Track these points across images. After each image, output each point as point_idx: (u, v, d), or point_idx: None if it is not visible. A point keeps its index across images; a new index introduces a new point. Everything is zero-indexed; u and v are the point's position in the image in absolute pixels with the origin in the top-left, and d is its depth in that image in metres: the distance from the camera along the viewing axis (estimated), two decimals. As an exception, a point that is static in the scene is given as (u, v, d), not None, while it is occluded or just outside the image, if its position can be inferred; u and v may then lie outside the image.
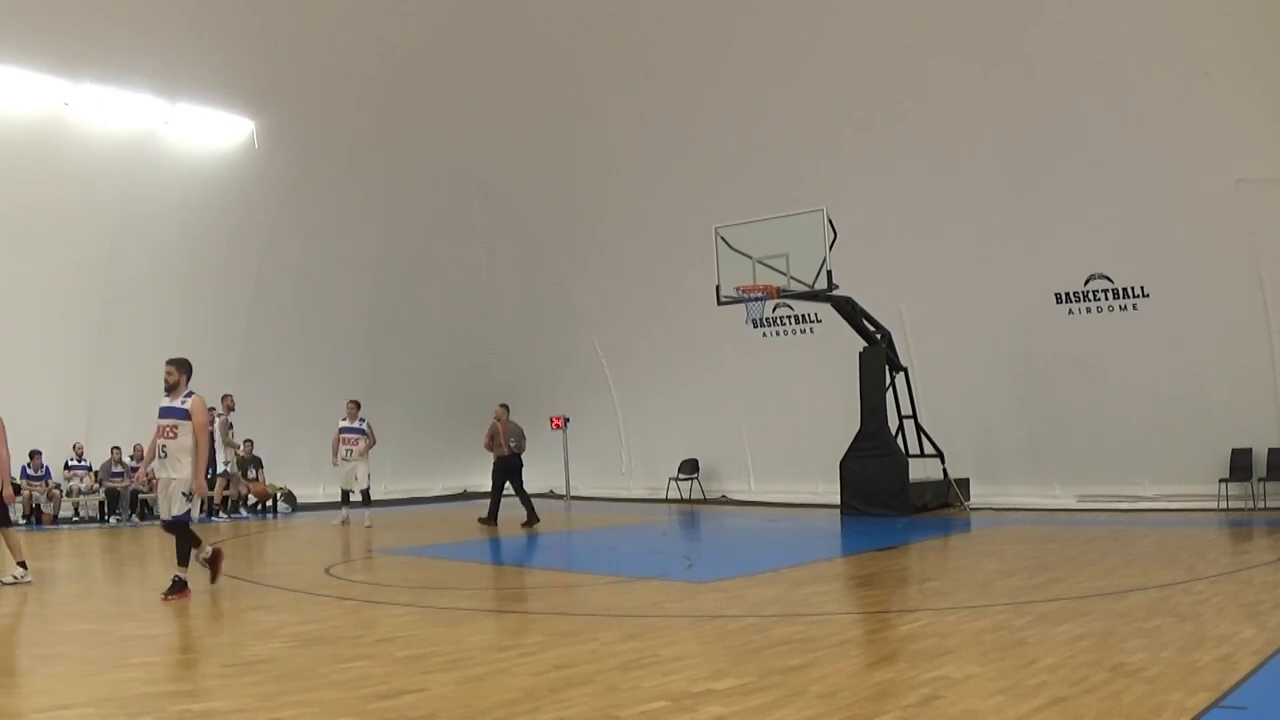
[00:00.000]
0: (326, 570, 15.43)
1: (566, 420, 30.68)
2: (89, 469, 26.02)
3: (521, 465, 23.51)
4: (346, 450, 23.19)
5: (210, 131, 27.83)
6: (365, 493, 23.45)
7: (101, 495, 25.82)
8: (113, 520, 25.43)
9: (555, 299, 31.57)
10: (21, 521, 24.21)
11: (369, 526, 22.80)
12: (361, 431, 23.28)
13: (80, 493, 25.73)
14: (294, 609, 12.45)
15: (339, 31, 26.75)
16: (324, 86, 27.54)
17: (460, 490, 32.98)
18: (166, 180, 26.78)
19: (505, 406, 23.80)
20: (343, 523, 23.35)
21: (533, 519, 22.80)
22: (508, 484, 23.45)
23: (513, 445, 23.19)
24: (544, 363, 32.28)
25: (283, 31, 26.19)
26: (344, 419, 23.42)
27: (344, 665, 8.99)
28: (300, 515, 27.08)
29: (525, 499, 23.27)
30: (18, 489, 24.16)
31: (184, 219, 27.16)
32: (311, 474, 28.25)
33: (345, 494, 23.63)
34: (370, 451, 23.50)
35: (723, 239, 23.82)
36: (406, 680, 8.31)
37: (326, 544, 19.94)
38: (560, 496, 31.02)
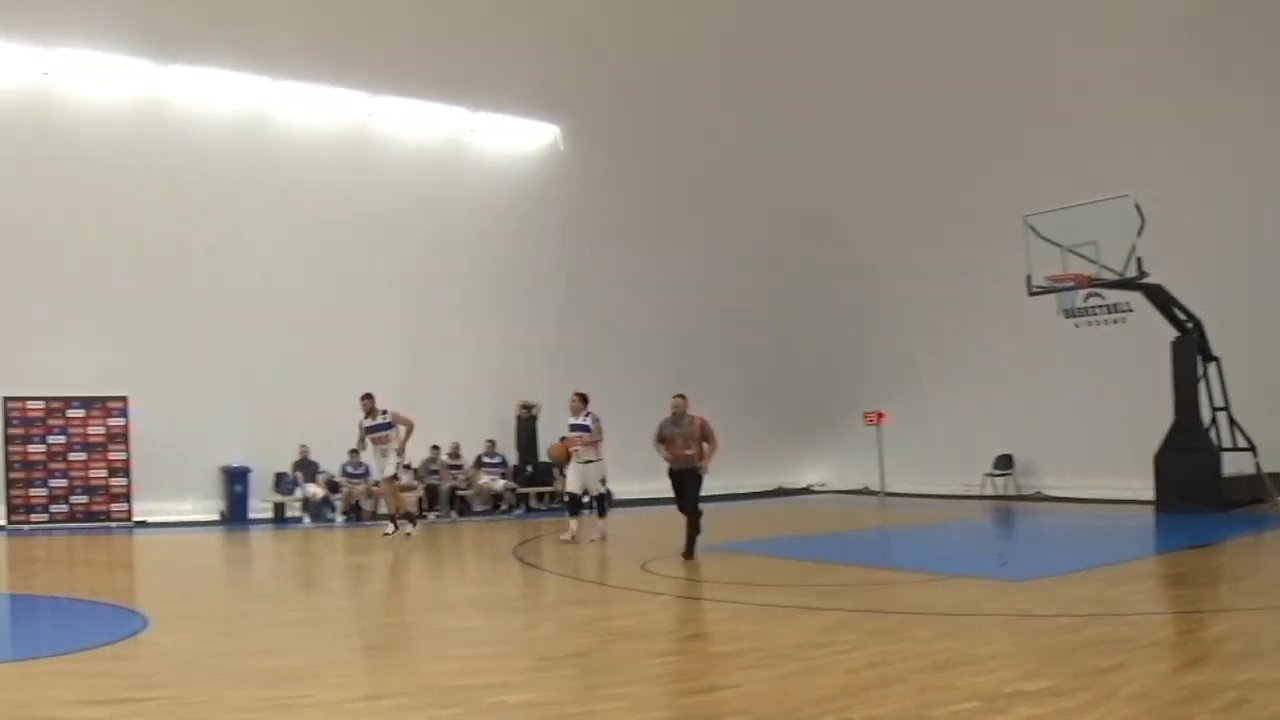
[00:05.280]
0: (642, 566, 15.63)
1: (880, 416, 30.30)
2: (408, 467, 26.87)
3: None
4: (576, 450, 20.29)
5: (515, 136, 29.10)
6: (602, 498, 20.76)
7: (421, 492, 26.75)
8: (431, 516, 26.33)
9: (865, 293, 31.27)
10: (341, 518, 25.34)
11: (599, 539, 19.94)
12: (586, 428, 20.06)
13: (400, 490, 26.58)
14: (609, 603, 12.73)
15: (640, 36, 27.05)
16: (626, 88, 27.91)
17: (774, 487, 33.06)
18: (475, 183, 28.02)
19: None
20: (573, 538, 19.88)
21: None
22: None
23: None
24: (854, 357, 32.04)
25: (585, 38, 26.69)
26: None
27: (657, 660, 9.12)
28: (615, 513, 27.49)
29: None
30: (338, 486, 25.36)
31: (494, 220, 28.43)
32: (625, 472, 28.66)
33: (576, 500, 20.68)
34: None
35: (1031, 227, 23.42)
36: (720, 676, 8.42)
37: (643, 539, 20.17)
38: (875, 493, 30.77)
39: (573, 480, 20.22)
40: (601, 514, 20.36)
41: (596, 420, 19.88)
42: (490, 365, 28.34)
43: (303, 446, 25.65)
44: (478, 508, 27.39)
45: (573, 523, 20.00)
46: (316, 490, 25.48)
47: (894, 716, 7.14)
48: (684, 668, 8.77)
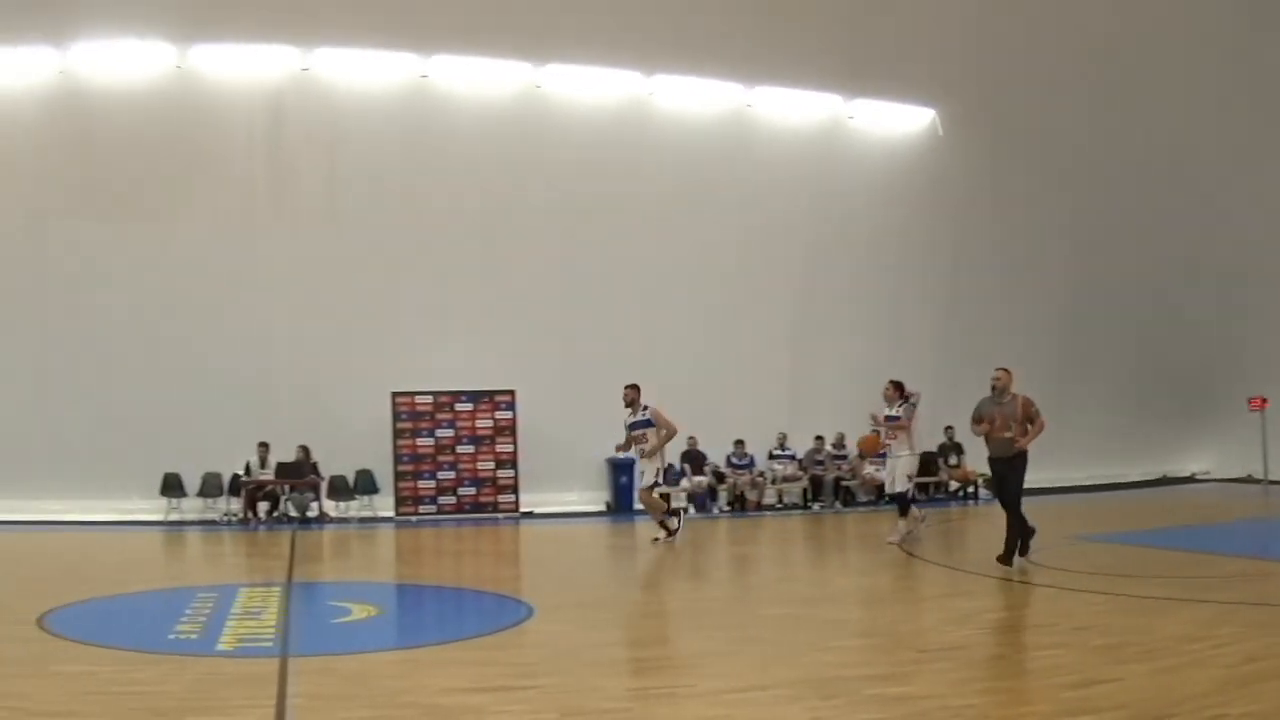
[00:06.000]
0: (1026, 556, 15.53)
1: (1263, 401, 29.10)
2: (792, 457, 27.29)
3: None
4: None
5: (892, 120, 29.08)
6: (899, 496, 18.93)
7: (805, 482, 27.16)
8: (815, 507, 26.75)
9: (1251, 276, 30.02)
10: (725, 509, 25.83)
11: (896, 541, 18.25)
12: (897, 417, 18.75)
13: (784, 480, 27.13)
14: (991, 595, 12.82)
15: (1020, 20, 26.71)
16: (1009, 73, 27.46)
17: (1159, 476, 32.23)
18: (853, 169, 28.24)
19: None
20: (902, 538, 18.23)
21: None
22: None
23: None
24: (1238, 341, 30.75)
25: (969, 19, 26.45)
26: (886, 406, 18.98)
27: (1037, 653, 9.24)
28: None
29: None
30: (722, 476, 25.87)
31: (872, 207, 28.39)
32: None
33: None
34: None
35: None
36: (1099, 670, 8.47)
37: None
38: (1258, 481, 29.64)
39: (888, 476, 19.27)
40: (902, 514, 18.52)
41: (910, 408, 18.66)
42: (872, 353, 28.18)
43: (690, 438, 25.86)
44: (861, 498, 27.56)
45: (901, 522, 18.47)
46: (701, 480, 26.06)
47: (1271, 713, 7.14)
48: (1063, 661, 8.81)
